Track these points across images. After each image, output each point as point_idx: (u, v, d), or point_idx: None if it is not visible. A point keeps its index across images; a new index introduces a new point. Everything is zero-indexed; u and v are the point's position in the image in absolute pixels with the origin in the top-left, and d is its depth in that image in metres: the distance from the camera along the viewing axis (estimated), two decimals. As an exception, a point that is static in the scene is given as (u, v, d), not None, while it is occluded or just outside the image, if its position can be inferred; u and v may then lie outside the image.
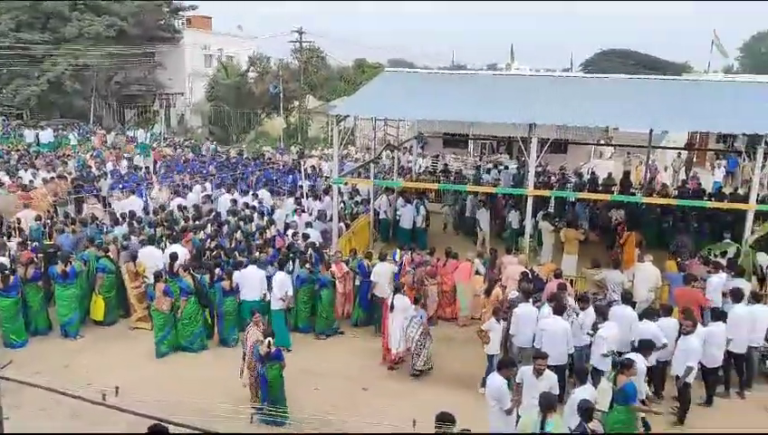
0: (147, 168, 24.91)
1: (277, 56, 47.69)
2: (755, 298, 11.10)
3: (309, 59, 47.01)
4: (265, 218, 16.64)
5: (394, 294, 11.53)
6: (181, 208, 17.28)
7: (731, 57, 65.67)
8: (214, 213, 17.04)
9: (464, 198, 20.10)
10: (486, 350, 10.51)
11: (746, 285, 11.74)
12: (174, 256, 12.38)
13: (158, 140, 35.22)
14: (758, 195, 14.70)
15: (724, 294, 11.37)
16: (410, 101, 16.73)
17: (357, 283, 13.54)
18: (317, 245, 14.40)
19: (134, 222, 15.44)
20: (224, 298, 12.20)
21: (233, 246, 14.44)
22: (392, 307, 11.40)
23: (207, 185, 20.53)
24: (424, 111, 16.84)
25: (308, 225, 16.05)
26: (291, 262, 13.22)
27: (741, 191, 21.37)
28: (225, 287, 12.18)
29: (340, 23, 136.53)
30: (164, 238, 14.57)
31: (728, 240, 14.56)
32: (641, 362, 8.75)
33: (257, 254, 13.49)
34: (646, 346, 9.12)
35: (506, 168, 26.51)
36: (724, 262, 12.98)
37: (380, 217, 19.16)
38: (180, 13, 48.35)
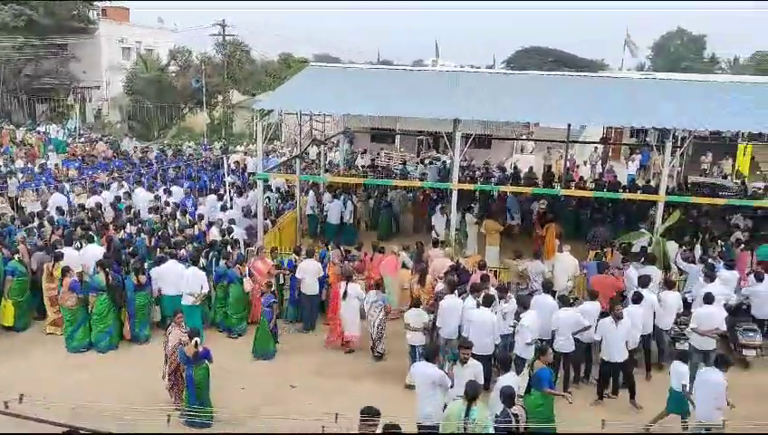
0: (56, 165, 23.80)
1: (199, 49, 46.51)
2: (668, 285, 11.69)
3: (232, 53, 46.01)
4: (187, 216, 16.21)
5: (347, 283, 11.76)
6: (98, 207, 16.61)
7: (642, 55, 68.95)
8: (133, 210, 16.45)
9: (382, 194, 20.11)
10: (410, 340, 10.69)
11: (657, 273, 12.38)
12: (58, 257, 12.15)
13: (74, 136, 33.66)
14: (668, 186, 15.51)
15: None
16: (336, 95, 16.66)
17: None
18: (239, 241, 14.15)
19: (46, 222, 14.70)
20: (134, 293, 11.86)
21: (152, 244, 13.99)
22: (345, 295, 11.66)
23: (125, 183, 19.79)
24: (349, 106, 16.80)
25: (232, 221, 15.74)
26: (210, 257, 12.89)
27: (653, 183, 22.49)
28: (135, 282, 11.87)
29: (265, 17, 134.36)
30: (80, 238, 13.91)
31: (642, 230, 15.25)
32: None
33: (179, 249, 13.13)
34: None
35: (432, 162, 26.86)
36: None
37: (307, 212, 18.98)
38: (95, 3, 46.22)
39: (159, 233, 14.48)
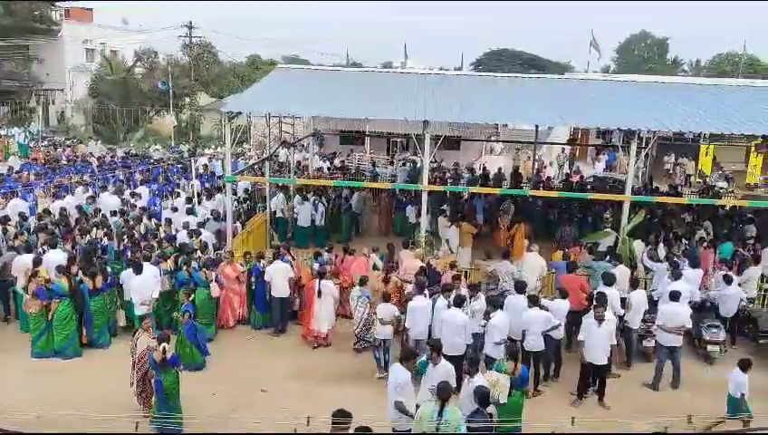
0: (11, 168, 23.24)
1: (166, 51, 45.91)
2: (633, 284, 11.91)
3: (200, 54, 45.53)
4: (153, 220, 15.98)
5: (320, 281, 12.02)
6: (63, 211, 16.25)
7: (607, 57, 70.31)
8: (100, 214, 16.16)
9: (339, 196, 19.99)
10: (378, 334, 10.82)
11: (626, 272, 12.58)
12: (37, 262, 11.88)
13: (36, 140, 32.92)
14: (633, 186, 15.78)
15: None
16: (305, 97, 16.58)
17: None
18: (208, 245, 13.99)
19: (8, 227, 14.34)
20: (90, 298, 11.65)
21: (121, 248, 13.77)
22: (320, 293, 11.92)
23: (89, 187, 19.40)
24: (318, 108, 16.72)
25: (201, 224, 15.56)
26: (179, 262, 12.70)
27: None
28: (90, 287, 11.65)
29: (233, 18, 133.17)
30: (44, 244, 13.60)
31: (608, 229, 15.50)
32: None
33: (147, 253, 12.90)
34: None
35: (404, 164, 26.95)
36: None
37: (277, 215, 18.84)
38: (58, 4, 45.31)
39: (127, 237, 14.25)
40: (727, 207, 19.38)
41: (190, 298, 11.10)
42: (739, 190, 26.89)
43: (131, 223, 15.40)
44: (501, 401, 8.10)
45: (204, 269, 12.31)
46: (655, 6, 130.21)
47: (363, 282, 11.92)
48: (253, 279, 13.00)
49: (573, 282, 11.87)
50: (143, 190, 19.12)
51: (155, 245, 13.72)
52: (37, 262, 11.98)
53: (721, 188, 26.44)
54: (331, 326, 12.24)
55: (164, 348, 8.90)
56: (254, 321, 13.11)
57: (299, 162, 25.64)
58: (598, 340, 9.96)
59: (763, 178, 26.90)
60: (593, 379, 10.36)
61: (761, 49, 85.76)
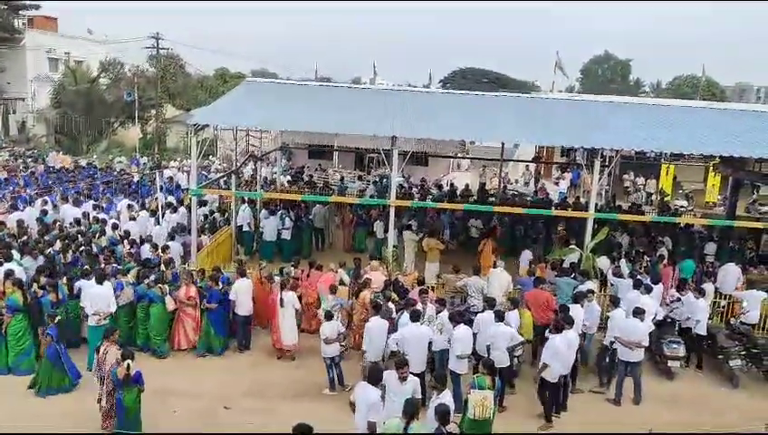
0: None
1: (132, 62, 45.28)
2: (614, 302, 11.97)
3: (167, 66, 45.04)
4: (116, 231, 15.68)
5: (281, 291, 12.07)
6: (21, 223, 15.82)
7: (572, 78, 71.77)
8: (59, 226, 15.81)
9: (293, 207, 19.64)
10: (325, 352, 10.81)
11: (594, 288, 12.75)
12: None
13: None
14: (596, 204, 16.05)
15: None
16: (272, 111, 16.50)
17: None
18: (173, 260, 13.75)
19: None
20: (52, 311, 11.20)
21: (70, 259, 13.49)
22: (282, 302, 11.90)
23: (48, 199, 18.95)
24: (286, 122, 16.65)
25: (170, 237, 15.31)
26: (140, 275, 12.42)
27: (582, 201, 23.28)
28: (52, 300, 11.33)
29: (202, 31, 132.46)
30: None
31: (573, 246, 15.70)
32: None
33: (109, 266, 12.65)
34: None
35: (377, 181, 26.96)
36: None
37: (243, 229, 18.63)
38: (21, 12, 44.40)
39: (82, 249, 13.95)
40: (684, 225, 19.83)
41: (55, 321, 10.62)
42: (698, 209, 27.62)
43: (90, 234, 15.09)
44: (485, 416, 8.23)
45: (159, 284, 11.98)
46: (617, 32, 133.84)
47: (334, 290, 12.03)
48: (215, 305, 12.20)
49: (540, 296, 11.98)
50: (122, 203, 18.83)
51: (114, 257, 13.46)
52: (8, 274, 11.60)
53: (681, 207, 27.11)
54: (296, 340, 12.16)
55: (128, 365, 8.70)
56: (213, 345, 12.30)
57: (266, 177, 25.48)
58: (562, 358, 10.02)
59: (722, 197, 27.63)
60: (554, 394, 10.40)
61: (718, 73, 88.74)
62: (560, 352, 9.89)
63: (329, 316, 11.04)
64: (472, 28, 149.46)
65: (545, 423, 10.10)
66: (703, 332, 12.48)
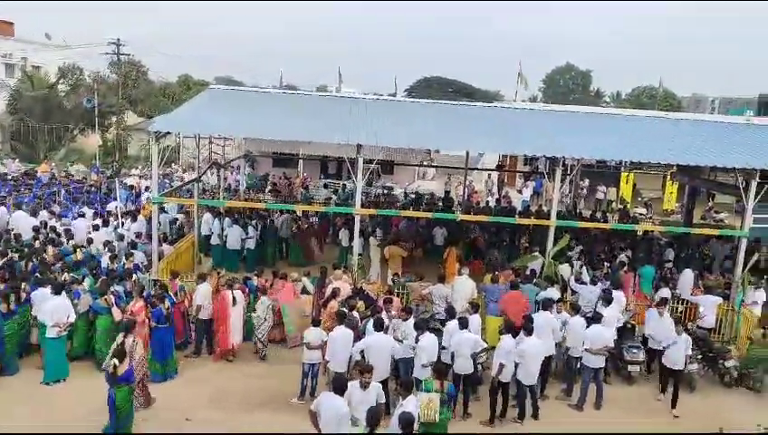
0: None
1: (92, 68, 44.38)
2: (575, 309, 12.10)
3: (128, 72, 44.27)
4: (71, 242, 15.32)
5: (231, 290, 12.25)
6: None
7: (535, 88, 72.91)
8: (13, 234, 15.41)
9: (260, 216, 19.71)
10: (308, 358, 10.73)
11: (557, 295, 12.90)
12: None
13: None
14: (558, 212, 16.27)
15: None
16: (236, 118, 16.33)
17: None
18: (133, 270, 13.47)
19: None
20: (3, 321, 10.98)
21: (29, 268, 13.14)
22: (234, 301, 12.11)
23: (2, 208, 18.43)
24: (250, 130, 16.46)
25: (133, 246, 15.00)
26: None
27: (545, 209, 23.61)
28: (4, 310, 11.01)
29: (164, 37, 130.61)
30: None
31: (536, 253, 15.89)
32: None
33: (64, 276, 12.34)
34: None
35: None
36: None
37: (205, 233, 18.32)
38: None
39: (38, 257, 13.60)
40: (644, 232, 20.24)
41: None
42: (657, 216, 28.25)
43: (43, 243, 14.73)
44: (428, 420, 8.15)
45: (105, 297, 11.45)
46: (578, 42, 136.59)
47: (265, 291, 12.60)
48: (155, 323, 11.32)
49: (515, 297, 12.27)
50: (87, 212, 18.46)
51: (67, 266, 13.16)
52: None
53: (640, 214, 27.69)
54: (240, 339, 12.46)
55: (114, 364, 8.75)
56: (151, 369, 11.01)
57: (229, 184, 25.19)
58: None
59: (679, 204, 28.30)
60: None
61: (675, 84, 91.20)
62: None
63: (315, 323, 11.05)
64: (440, 41, 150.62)
65: (487, 420, 10.34)
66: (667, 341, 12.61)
